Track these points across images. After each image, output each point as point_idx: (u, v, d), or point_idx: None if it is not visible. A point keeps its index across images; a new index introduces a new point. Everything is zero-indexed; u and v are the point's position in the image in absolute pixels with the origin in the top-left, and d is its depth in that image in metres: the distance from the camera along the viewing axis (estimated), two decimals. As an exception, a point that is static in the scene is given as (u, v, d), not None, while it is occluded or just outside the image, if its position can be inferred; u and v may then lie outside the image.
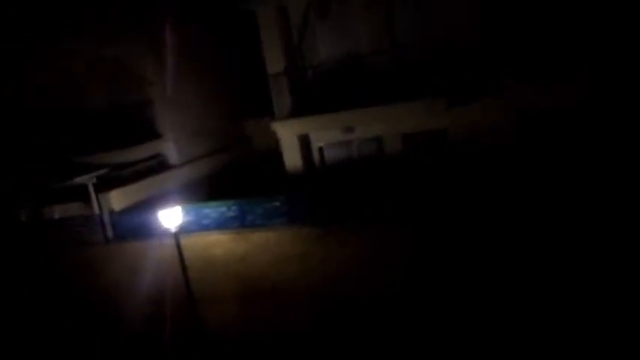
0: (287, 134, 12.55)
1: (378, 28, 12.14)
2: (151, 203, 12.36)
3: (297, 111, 12.51)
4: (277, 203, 11.75)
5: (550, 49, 10.64)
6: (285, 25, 12.78)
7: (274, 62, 12.75)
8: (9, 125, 15.91)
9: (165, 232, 9.32)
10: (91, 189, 12.96)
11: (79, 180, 12.81)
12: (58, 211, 13.75)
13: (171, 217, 8.94)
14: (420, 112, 11.32)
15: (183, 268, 8.96)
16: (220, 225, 12.13)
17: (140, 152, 14.07)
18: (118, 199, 13.17)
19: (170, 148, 14.45)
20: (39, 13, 14.09)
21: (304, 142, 12.77)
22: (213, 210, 12.20)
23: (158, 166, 14.60)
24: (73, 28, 13.74)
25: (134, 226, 12.72)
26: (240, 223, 12.02)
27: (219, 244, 11.61)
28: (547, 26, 10.66)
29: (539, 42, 10.70)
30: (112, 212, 13.05)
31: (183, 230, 9.80)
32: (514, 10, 10.77)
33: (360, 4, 12.17)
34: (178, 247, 8.92)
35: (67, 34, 13.83)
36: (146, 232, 12.22)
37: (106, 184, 13.15)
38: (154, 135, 14.38)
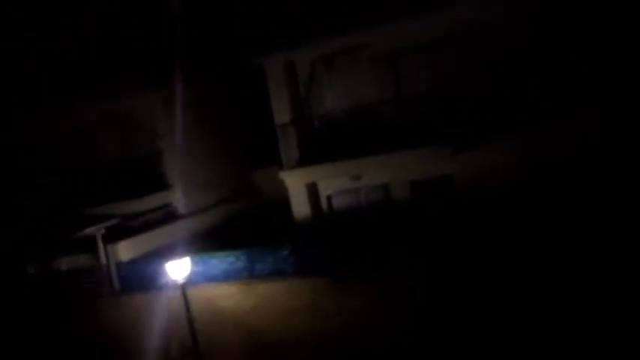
0: (295, 183, 12.62)
1: (383, 79, 12.40)
2: (159, 253, 12.33)
3: (305, 160, 12.64)
4: (286, 252, 11.68)
5: (554, 96, 10.80)
6: (292, 78, 13.11)
7: (282, 113, 13.00)
8: (18, 177, 16.18)
9: (173, 284, 9.24)
10: (99, 240, 12.98)
11: (87, 231, 12.86)
12: (66, 263, 13.74)
13: (178, 268, 8.89)
14: (427, 159, 11.39)
15: (190, 320, 8.81)
16: (228, 276, 12.02)
17: (149, 202, 14.19)
18: (126, 249, 13.17)
19: (179, 199, 14.56)
20: (52, 64, 14.60)
21: (312, 191, 12.82)
22: (222, 260, 12.12)
23: (167, 216, 14.67)
24: (85, 83, 14.19)
25: (142, 278, 12.63)
26: (248, 273, 11.91)
27: (227, 295, 11.46)
28: (552, 75, 10.86)
29: (544, 89, 10.88)
30: (119, 263, 13.01)
31: (191, 281, 9.71)
32: (517, 60, 11.01)
33: (364, 57, 12.50)
34: (185, 299, 8.81)
35: (81, 88, 14.27)
36: (153, 283, 12.12)
37: (114, 235, 13.18)
38: (163, 185, 14.54)
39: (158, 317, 11.04)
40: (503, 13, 10.92)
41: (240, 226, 15.23)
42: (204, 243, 13.81)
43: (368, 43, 12.31)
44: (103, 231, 13.02)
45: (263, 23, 12.96)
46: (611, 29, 10.44)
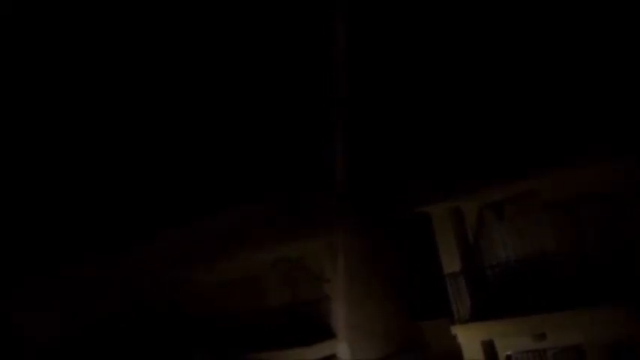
0: (469, 340, 11.72)
1: (559, 228, 11.56)
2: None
3: (478, 313, 11.80)
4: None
5: None
6: (459, 225, 12.86)
7: (451, 262, 12.60)
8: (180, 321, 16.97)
9: None
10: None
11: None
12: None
13: None
14: (629, 318, 9.94)
15: None
16: None
17: (314, 352, 14.00)
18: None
19: (344, 349, 14.17)
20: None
21: (489, 349, 11.73)
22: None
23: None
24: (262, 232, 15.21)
25: None
26: None
27: None
28: None
29: None
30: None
31: None
32: None
33: (536, 205, 11.91)
34: None
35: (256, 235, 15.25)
36: None
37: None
38: (329, 334, 14.37)
39: None
40: None
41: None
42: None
43: (538, 191, 11.82)
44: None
45: (428, 170, 13.23)
46: None
